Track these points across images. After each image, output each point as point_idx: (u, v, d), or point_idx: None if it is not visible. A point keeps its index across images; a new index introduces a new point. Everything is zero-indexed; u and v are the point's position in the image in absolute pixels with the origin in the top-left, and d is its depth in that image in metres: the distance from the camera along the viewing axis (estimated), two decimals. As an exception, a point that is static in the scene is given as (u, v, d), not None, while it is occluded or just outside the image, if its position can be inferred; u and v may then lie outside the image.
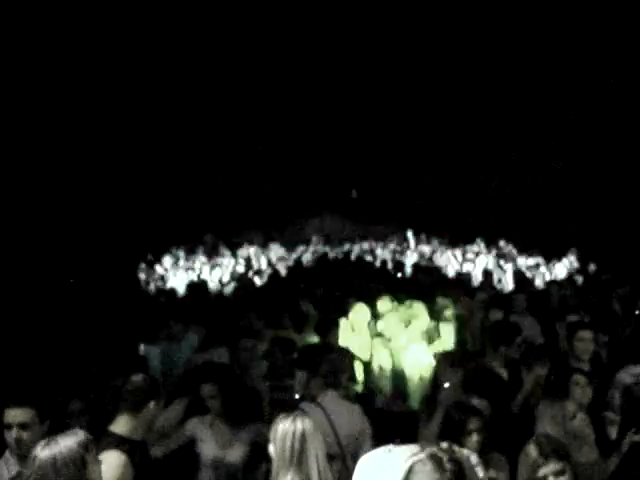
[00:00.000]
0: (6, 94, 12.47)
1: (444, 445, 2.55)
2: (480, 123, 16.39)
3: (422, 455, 2.47)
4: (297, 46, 16.44)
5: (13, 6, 12.97)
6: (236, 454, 3.79)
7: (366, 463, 2.70)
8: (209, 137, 17.55)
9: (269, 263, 13.02)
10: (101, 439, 3.18)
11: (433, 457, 2.45)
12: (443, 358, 4.63)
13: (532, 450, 2.95)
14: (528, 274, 11.02)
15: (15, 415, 3.22)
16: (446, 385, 4.35)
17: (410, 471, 2.44)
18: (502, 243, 14.16)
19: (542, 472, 2.86)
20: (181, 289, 10.64)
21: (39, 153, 13.22)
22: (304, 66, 16.81)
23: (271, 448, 3.01)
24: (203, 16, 16.03)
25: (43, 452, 2.53)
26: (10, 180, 12.17)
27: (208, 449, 3.84)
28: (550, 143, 15.51)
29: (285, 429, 2.93)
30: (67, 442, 2.56)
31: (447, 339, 6.12)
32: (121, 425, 3.33)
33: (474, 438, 3.46)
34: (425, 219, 16.60)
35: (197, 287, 9.58)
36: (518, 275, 10.58)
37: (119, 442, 3.20)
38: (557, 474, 2.86)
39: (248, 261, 13.40)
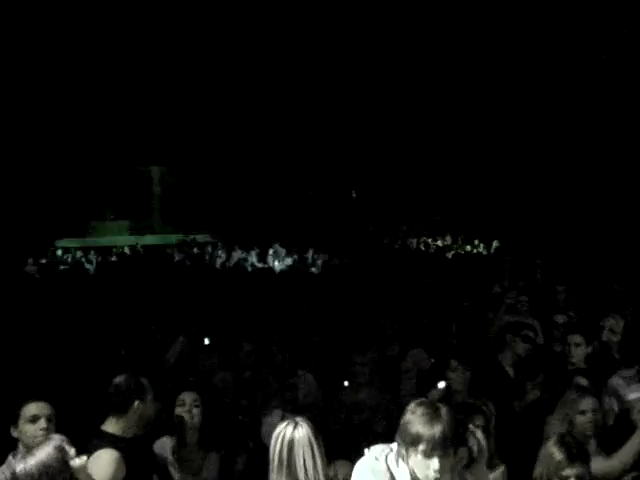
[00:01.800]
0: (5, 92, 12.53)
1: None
2: (479, 123, 16.44)
3: (411, 405, 2.62)
4: (297, 47, 16.47)
5: (13, 6, 13.02)
6: (207, 477, 3.73)
7: (362, 466, 2.79)
8: (208, 137, 17.59)
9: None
10: (93, 438, 3.23)
11: (423, 403, 2.62)
12: None
13: (556, 451, 2.97)
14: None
15: (43, 407, 3.25)
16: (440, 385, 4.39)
17: (404, 424, 2.58)
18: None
19: (566, 472, 2.91)
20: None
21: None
22: (304, 68, 16.83)
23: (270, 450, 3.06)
24: (203, 17, 16.05)
25: (20, 466, 2.56)
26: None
27: (177, 475, 3.75)
28: (549, 144, 15.55)
29: (277, 434, 2.97)
30: (44, 451, 2.60)
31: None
32: (112, 425, 3.37)
33: (479, 436, 3.53)
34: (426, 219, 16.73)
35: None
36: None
37: (112, 440, 3.24)
38: (580, 478, 2.90)
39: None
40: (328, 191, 18.36)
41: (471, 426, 3.50)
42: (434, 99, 16.45)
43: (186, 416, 3.73)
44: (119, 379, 3.48)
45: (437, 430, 2.51)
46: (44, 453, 2.59)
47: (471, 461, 3.48)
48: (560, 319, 6.10)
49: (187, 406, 3.72)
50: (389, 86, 16.86)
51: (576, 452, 2.95)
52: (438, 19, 15.84)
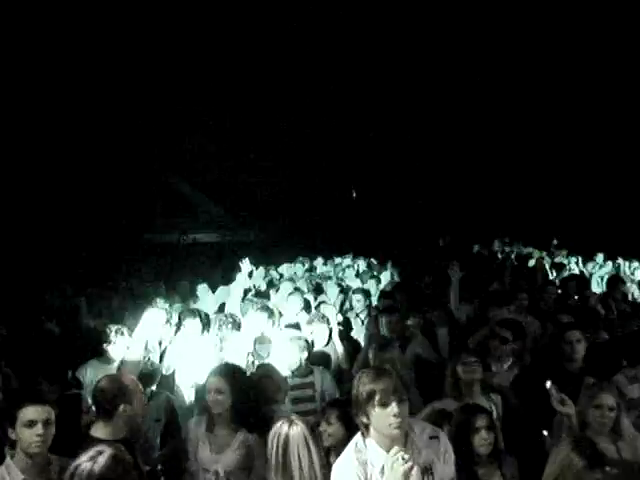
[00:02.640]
0: (6, 94, 12.54)
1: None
2: (480, 123, 16.43)
3: (356, 376, 2.80)
4: (297, 48, 16.47)
5: (13, 6, 13.02)
6: (228, 459, 3.78)
7: (344, 457, 2.80)
8: (209, 135, 17.60)
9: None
10: (83, 443, 3.18)
11: (365, 369, 2.84)
12: None
13: (576, 458, 2.96)
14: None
15: (41, 412, 3.20)
16: None
17: (355, 391, 2.75)
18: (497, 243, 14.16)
19: (587, 478, 2.93)
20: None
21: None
22: (305, 68, 16.83)
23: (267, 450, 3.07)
24: (203, 18, 16.04)
25: (91, 464, 2.58)
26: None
27: (203, 452, 3.84)
28: (550, 142, 15.55)
29: (273, 433, 2.98)
30: (109, 454, 2.62)
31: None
32: (100, 429, 3.35)
33: (483, 435, 3.53)
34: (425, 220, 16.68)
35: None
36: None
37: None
38: None
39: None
40: (328, 191, 18.38)
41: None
42: (435, 99, 16.45)
43: (211, 402, 3.84)
44: (103, 383, 3.42)
45: (386, 380, 2.70)
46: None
47: (479, 460, 3.48)
48: (565, 319, 6.08)
49: (212, 393, 3.83)
50: (389, 86, 16.85)
51: (595, 458, 2.97)
52: (438, 20, 15.83)
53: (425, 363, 5.42)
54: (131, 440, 3.41)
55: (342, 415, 3.61)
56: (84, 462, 2.61)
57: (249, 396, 3.91)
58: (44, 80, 14.08)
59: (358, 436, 2.81)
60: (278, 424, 3.01)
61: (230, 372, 3.93)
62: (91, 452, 2.66)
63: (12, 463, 3.21)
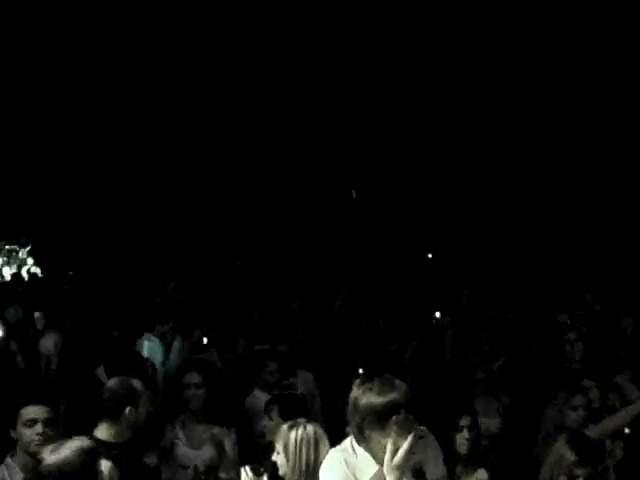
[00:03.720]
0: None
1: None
2: (480, 123, 16.40)
3: (364, 385, 2.57)
4: (296, 47, 16.45)
5: (13, 6, 13.02)
6: (207, 454, 3.85)
7: (332, 456, 2.76)
8: (205, 136, 17.60)
9: None
10: None
11: (373, 378, 2.58)
12: None
13: (568, 452, 2.94)
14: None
15: (41, 411, 3.20)
16: None
17: (369, 402, 2.48)
18: None
19: (577, 472, 2.90)
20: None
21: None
22: (304, 67, 16.81)
23: (281, 458, 2.94)
24: (202, 18, 16.02)
25: (52, 457, 2.46)
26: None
27: (180, 450, 3.91)
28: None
29: (300, 438, 2.88)
30: (74, 447, 2.50)
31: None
32: (103, 431, 3.31)
33: (464, 435, 3.52)
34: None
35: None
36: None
37: (104, 448, 3.09)
38: (590, 478, 2.90)
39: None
40: (328, 191, 18.33)
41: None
42: (435, 98, 16.42)
43: (189, 397, 3.98)
44: (111, 383, 3.40)
45: (400, 394, 2.45)
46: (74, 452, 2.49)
47: (459, 459, 3.47)
48: (561, 318, 6.12)
49: (191, 388, 3.97)
50: (389, 86, 16.83)
51: (589, 453, 2.94)
52: (438, 19, 15.81)
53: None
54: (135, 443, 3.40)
55: (283, 411, 3.56)
56: (46, 454, 2.49)
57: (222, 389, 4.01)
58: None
59: (350, 439, 2.63)
60: (300, 429, 2.92)
61: (205, 367, 4.07)
62: (55, 445, 2.55)
63: (12, 462, 3.20)
